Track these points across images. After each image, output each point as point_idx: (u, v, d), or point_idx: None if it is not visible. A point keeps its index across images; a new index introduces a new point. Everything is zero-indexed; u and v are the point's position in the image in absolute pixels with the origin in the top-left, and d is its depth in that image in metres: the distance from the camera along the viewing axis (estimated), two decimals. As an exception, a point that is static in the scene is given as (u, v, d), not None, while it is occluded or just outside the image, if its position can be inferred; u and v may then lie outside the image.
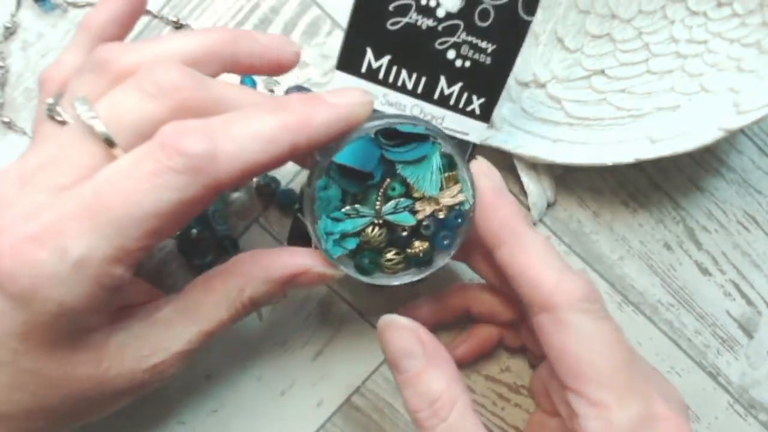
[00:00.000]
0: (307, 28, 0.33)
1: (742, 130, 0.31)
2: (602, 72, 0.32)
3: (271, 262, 0.24)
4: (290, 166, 0.32)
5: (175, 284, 0.25)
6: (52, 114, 0.21)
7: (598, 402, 0.21)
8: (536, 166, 0.33)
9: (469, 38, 0.25)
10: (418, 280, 0.25)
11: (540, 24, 0.31)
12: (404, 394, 0.23)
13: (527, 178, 0.32)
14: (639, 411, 0.22)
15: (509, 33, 0.25)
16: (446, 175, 0.24)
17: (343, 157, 0.23)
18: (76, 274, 0.19)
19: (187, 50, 0.22)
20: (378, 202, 0.24)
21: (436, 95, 0.25)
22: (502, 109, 0.32)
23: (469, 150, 0.26)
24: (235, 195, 0.32)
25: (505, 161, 0.32)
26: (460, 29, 0.24)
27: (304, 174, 0.32)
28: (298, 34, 0.33)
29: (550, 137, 0.32)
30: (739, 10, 0.30)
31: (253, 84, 0.32)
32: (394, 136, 0.23)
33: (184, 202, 0.19)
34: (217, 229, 0.31)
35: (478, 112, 0.26)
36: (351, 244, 0.24)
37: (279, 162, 0.21)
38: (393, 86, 0.25)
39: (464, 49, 0.25)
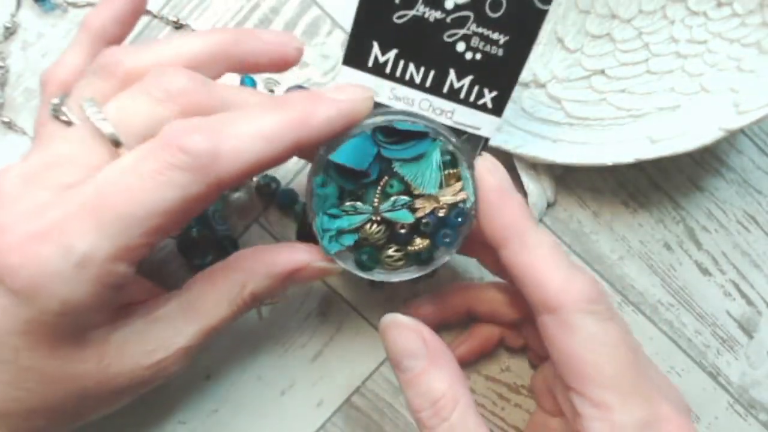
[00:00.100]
0: (307, 28, 0.33)
1: (742, 130, 0.31)
2: (602, 72, 0.32)
3: (272, 257, 0.24)
4: (290, 166, 0.32)
5: (175, 284, 0.25)
6: (57, 114, 0.21)
7: (602, 403, 0.21)
8: (536, 166, 0.33)
9: (480, 30, 0.24)
10: (419, 278, 0.25)
11: (540, 24, 0.31)
12: (406, 393, 0.23)
13: (527, 178, 0.32)
14: (642, 412, 0.21)
15: (523, 23, 0.24)
16: (447, 172, 0.24)
17: (339, 155, 0.23)
18: (80, 272, 0.19)
19: (192, 52, 0.22)
20: (376, 200, 0.24)
21: (446, 89, 0.25)
22: (502, 109, 0.32)
23: (481, 145, 0.26)
24: (235, 195, 0.32)
25: (505, 161, 0.32)
26: (470, 21, 0.24)
27: (305, 174, 0.32)
28: (298, 34, 0.33)
29: (550, 137, 0.32)
30: (739, 10, 0.30)
31: (253, 84, 0.32)
32: (392, 133, 0.23)
33: (187, 199, 0.20)
34: (217, 229, 0.31)
35: (490, 105, 0.25)
36: (348, 240, 0.24)
37: (281, 159, 0.21)
38: (400, 80, 0.24)
39: (474, 41, 0.24)
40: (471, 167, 0.24)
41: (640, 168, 0.34)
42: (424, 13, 0.23)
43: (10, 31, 0.31)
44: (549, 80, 0.32)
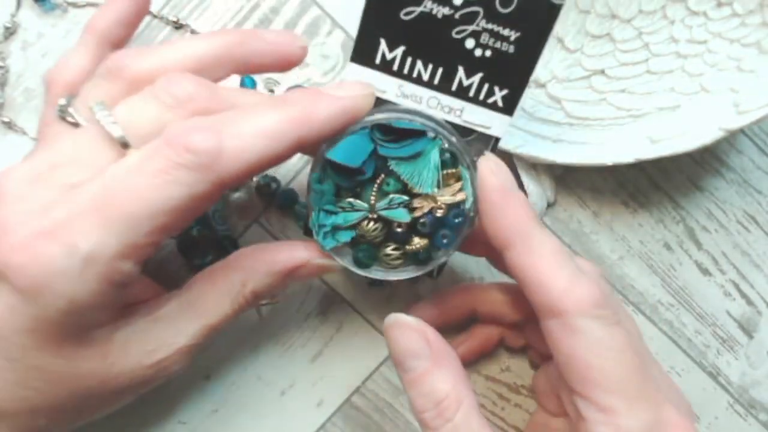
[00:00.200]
0: (307, 28, 0.33)
1: (742, 130, 0.31)
2: (602, 72, 0.32)
3: (272, 255, 0.24)
4: (290, 166, 0.32)
5: (175, 284, 0.25)
6: (63, 115, 0.22)
7: (607, 408, 0.21)
8: (536, 166, 0.33)
9: (490, 26, 0.23)
10: (418, 277, 0.25)
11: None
12: (409, 393, 0.23)
13: (527, 178, 0.32)
14: (648, 417, 0.21)
15: (536, 19, 0.23)
16: (446, 172, 0.24)
17: (335, 152, 0.23)
18: (86, 270, 0.19)
19: (197, 55, 0.22)
20: (373, 197, 0.24)
21: (454, 86, 0.24)
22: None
23: (491, 144, 0.25)
24: (235, 195, 0.32)
25: (505, 161, 0.32)
26: (479, 17, 0.23)
27: (305, 174, 0.32)
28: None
29: (550, 137, 0.32)
30: (739, 10, 0.30)
31: (254, 84, 0.32)
32: (390, 131, 0.23)
33: (192, 197, 0.20)
34: (217, 229, 0.31)
35: (500, 104, 0.24)
36: (344, 236, 0.24)
37: (284, 156, 0.21)
38: (408, 78, 0.24)
39: (484, 38, 0.23)
40: (472, 167, 0.24)
41: (640, 168, 0.34)
42: (432, 9, 0.23)
43: (10, 31, 0.31)
44: (549, 80, 0.32)
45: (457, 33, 0.23)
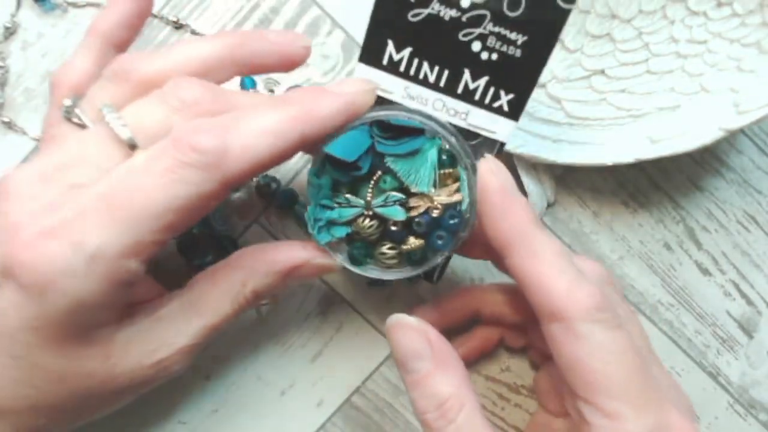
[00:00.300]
0: (307, 28, 0.33)
1: (742, 130, 0.31)
2: (602, 72, 0.32)
3: (272, 255, 0.24)
4: (290, 166, 0.32)
5: (175, 284, 0.25)
6: (69, 116, 0.22)
7: (612, 413, 0.21)
8: (536, 166, 0.33)
9: (497, 29, 0.23)
10: (415, 278, 0.25)
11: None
12: (412, 395, 0.23)
13: (527, 178, 0.32)
14: (653, 421, 0.21)
15: (544, 23, 0.23)
16: (444, 172, 0.24)
17: (332, 147, 0.23)
18: (91, 268, 0.19)
19: (202, 57, 0.23)
20: (369, 194, 0.24)
21: (460, 89, 0.24)
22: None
23: (496, 149, 0.25)
24: (236, 195, 0.32)
25: (505, 161, 0.32)
26: (487, 20, 0.23)
27: (305, 174, 0.32)
28: (298, 34, 0.33)
29: (550, 137, 0.32)
30: (739, 10, 0.30)
31: (254, 84, 0.32)
32: (389, 128, 0.23)
33: (198, 196, 0.20)
34: (217, 229, 0.31)
35: (506, 108, 0.24)
36: (339, 232, 0.24)
37: (288, 153, 0.22)
38: (414, 79, 0.24)
39: (491, 41, 0.23)
40: (472, 169, 0.24)
41: (640, 168, 0.34)
42: (440, 11, 0.23)
43: (10, 31, 0.31)
44: (549, 80, 0.32)
45: (464, 36, 0.23)
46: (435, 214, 0.24)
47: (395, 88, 0.24)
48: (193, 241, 0.30)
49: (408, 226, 0.24)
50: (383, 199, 0.24)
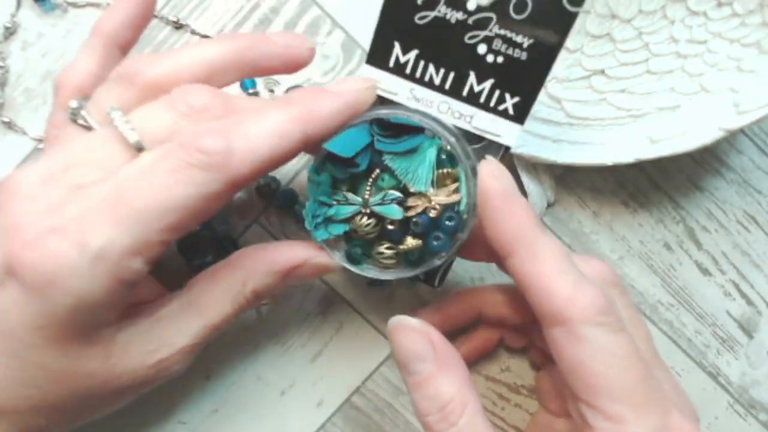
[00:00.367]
0: (307, 28, 0.33)
1: (742, 130, 0.31)
2: (602, 72, 0.32)
3: (272, 255, 0.24)
4: (290, 166, 0.32)
5: (175, 284, 0.25)
6: (75, 118, 0.22)
7: (614, 416, 0.21)
8: (536, 166, 0.33)
9: (502, 32, 0.23)
10: (413, 279, 0.25)
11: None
12: (414, 396, 0.23)
13: (527, 178, 0.32)
14: (656, 424, 0.21)
15: (550, 26, 0.23)
16: (444, 171, 0.24)
17: (332, 143, 0.23)
18: (95, 267, 0.19)
19: (207, 60, 0.23)
20: (367, 192, 0.24)
21: (465, 92, 0.24)
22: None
23: (500, 153, 0.25)
24: (236, 195, 0.32)
25: (505, 161, 0.32)
26: (493, 22, 0.23)
27: (305, 174, 0.32)
28: (298, 34, 0.33)
29: (550, 137, 0.32)
30: (739, 10, 0.30)
31: (253, 84, 0.32)
32: (389, 126, 0.23)
33: (204, 196, 0.20)
34: (217, 229, 0.31)
35: (511, 111, 0.24)
36: (337, 229, 0.24)
37: (292, 153, 0.22)
38: (420, 81, 0.24)
39: (496, 44, 0.23)
40: (472, 171, 0.24)
41: (640, 168, 0.34)
42: (446, 14, 0.23)
43: (10, 31, 0.31)
44: (549, 80, 0.32)
45: (470, 38, 0.23)
46: (432, 214, 0.24)
47: (401, 90, 0.24)
48: (193, 241, 0.30)
49: (406, 226, 0.24)
50: (381, 197, 0.24)
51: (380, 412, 0.32)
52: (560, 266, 0.22)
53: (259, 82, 0.32)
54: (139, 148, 0.21)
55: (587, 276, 0.22)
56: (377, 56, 0.24)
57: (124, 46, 0.25)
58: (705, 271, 0.34)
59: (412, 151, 0.24)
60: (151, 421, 0.31)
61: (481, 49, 0.24)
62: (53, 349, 0.21)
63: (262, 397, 0.32)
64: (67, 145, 0.22)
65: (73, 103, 0.22)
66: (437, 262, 0.24)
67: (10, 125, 0.31)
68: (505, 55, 0.23)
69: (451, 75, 0.24)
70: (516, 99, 0.24)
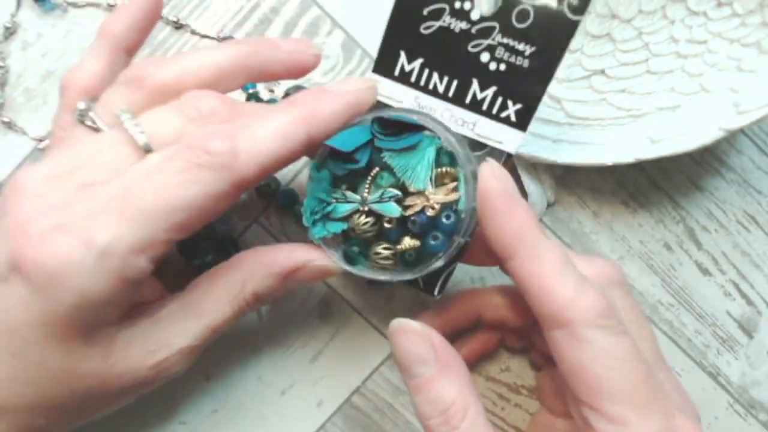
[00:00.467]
0: (307, 28, 0.33)
1: (742, 130, 0.31)
2: (602, 72, 0.32)
3: (272, 257, 0.24)
4: (290, 166, 0.32)
5: (175, 284, 0.25)
6: (83, 119, 0.23)
7: (617, 418, 0.21)
8: (536, 166, 0.33)
9: (505, 40, 0.24)
10: (412, 282, 0.25)
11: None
12: (415, 399, 0.23)
13: (527, 178, 0.32)
14: (658, 426, 0.21)
15: (552, 34, 0.23)
16: (443, 170, 0.24)
17: (333, 140, 0.23)
18: (100, 264, 0.20)
19: (214, 64, 0.23)
20: (366, 190, 0.24)
21: (468, 99, 0.24)
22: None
23: (502, 160, 0.25)
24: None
25: (506, 167, 0.32)
26: (495, 31, 0.24)
27: (305, 174, 0.32)
28: (298, 34, 0.33)
29: (550, 137, 0.32)
30: (739, 10, 0.30)
31: (253, 84, 0.32)
32: (390, 125, 0.24)
33: (209, 196, 0.21)
34: (217, 229, 0.31)
35: (513, 119, 0.24)
36: (335, 227, 0.24)
37: (296, 154, 0.22)
38: (424, 89, 0.25)
39: (499, 52, 0.24)
40: (473, 176, 0.24)
41: (640, 168, 0.34)
42: (450, 23, 0.24)
43: (10, 31, 0.31)
44: (549, 80, 0.32)
45: (474, 47, 0.24)
46: (430, 213, 0.24)
47: (406, 98, 0.25)
48: (193, 241, 0.30)
49: (404, 226, 0.24)
50: (379, 194, 0.24)
51: (380, 412, 0.32)
52: (561, 268, 0.22)
53: (259, 82, 0.32)
54: (147, 150, 0.21)
55: (589, 277, 0.22)
56: (383, 65, 0.25)
57: (131, 48, 0.25)
58: (705, 271, 0.34)
59: (411, 149, 0.24)
60: (151, 421, 0.31)
61: (485, 57, 0.24)
62: (55, 347, 0.21)
63: (262, 397, 0.32)
64: (75, 145, 0.22)
65: (81, 105, 0.23)
66: (435, 263, 0.24)
67: (10, 125, 0.31)
68: (508, 63, 0.24)
69: (455, 83, 0.24)
70: (518, 106, 0.24)
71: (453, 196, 0.24)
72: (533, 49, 0.23)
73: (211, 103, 0.22)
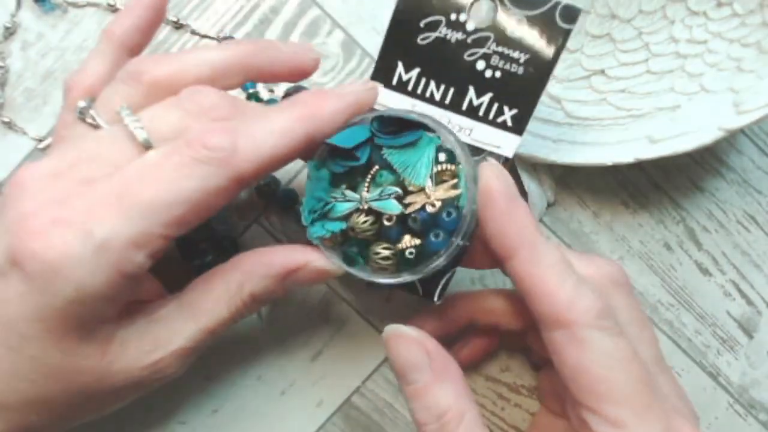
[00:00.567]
0: (307, 28, 0.33)
1: (742, 130, 0.31)
2: (602, 72, 0.32)
3: (270, 258, 0.24)
4: (290, 166, 0.32)
5: (175, 284, 0.25)
6: (83, 117, 0.23)
7: (617, 421, 0.21)
8: (536, 166, 0.33)
9: (500, 49, 0.24)
10: (410, 285, 0.25)
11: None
12: (411, 405, 0.23)
13: (527, 178, 0.32)
14: (657, 429, 0.21)
15: (545, 42, 0.24)
16: (443, 167, 0.24)
17: (333, 139, 0.23)
18: (99, 258, 0.20)
19: (213, 62, 0.23)
20: (365, 188, 0.24)
21: (464, 106, 0.25)
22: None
23: (500, 163, 0.25)
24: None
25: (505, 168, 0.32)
26: (491, 40, 0.24)
27: (305, 174, 0.32)
28: (298, 34, 0.33)
29: (550, 137, 0.32)
30: (739, 10, 0.30)
31: (253, 84, 0.32)
32: (389, 124, 0.24)
33: (207, 191, 0.21)
34: (217, 229, 0.31)
35: (509, 123, 0.25)
36: (334, 227, 0.24)
37: (295, 152, 0.22)
38: (421, 97, 0.25)
39: (494, 60, 0.25)
40: (473, 179, 0.24)
41: (640, 168, 0.34)
42: (447, 34, 0.25)
43: (10, 31, 0.31)
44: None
45: (469, 56, 0.25)
46: (431, 210, 0.23)
47: (403, 106, 0.26)
48: (193, 241, 0.30)
49: (403, 223, 0.24)
50: (379, 192, 0.24)
51: (380, 412, 0.32)
52: (561, 269, 0.22)
53: (259, 82, 0.32)
54: (147, 146, 0.21)
55: (590, 277, 0.23)
56: (381, 75, 0.26)
57: (134, 50, 0.26)
58: (705, 271, 0.34)
59: (411, 145, 0.24)
60: (151, 421, 0.31)
61: (480, 65, 0.25)
62: (50, 343, 0.21)
63: (262, 397, 0.32)
64: (76, 142, 0.22)
65: (81, 103, 0.23)
66: (435, 261, 0.24)
67: (10, 125, 0.31)
68: (503, 70, 0.25)
69: (451, 90, 0.25)
70: (514, 111, 0.25)
71: (453, 193, 0.24)
72: (527, 56, 0.24)
73: (211, 99, 0.22)
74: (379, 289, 0.32)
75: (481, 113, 0.25)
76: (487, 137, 0.25)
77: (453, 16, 0.24)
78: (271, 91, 0.32)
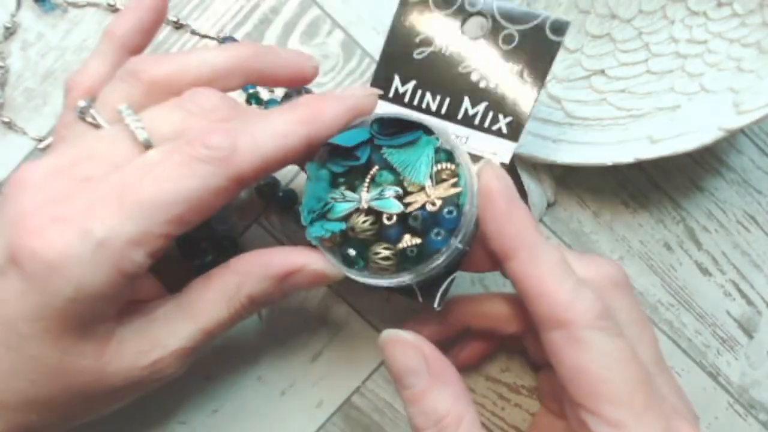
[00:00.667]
0: (307, 28, 0.33)
1: (742, 130, 0.31)
2: (602, 72, 0.32)
3: (268, 259, 0.24)
4: (290, 166, 0.32)
5: (174, 284, 0.25)
6: (83, 116, 0.23)
7: (616, 422, 0.21)
8: (536, 166, 0.33)
9: (493, 61, 0.25)
10: (409, 288, 0.25)
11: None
12: (409, 410, 0.23)
13: (527, 178, 0.32)
14: (658, 429, 0.21)
15: (536, 54, 0.25)
16: (442, 166, 0.24)
17: (333, 139, 0.24)
18: (98, 256, 0.20)
19: (212, 63, 0.24)
20: (365, 188, 0.24)
21: (460, 115, 0.26)
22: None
23: None
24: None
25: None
26: (484, 54, 0.25)
27: (304, 174, 0.32)
28: (298, 34, 0.33)
29: (550, 137, 0.32)
30: (739, 10, 0.30)
31: (254, 86, 0.32)
32: (389, 126, 0.24)
33: (207, 190, 0.21)
34: (217, 229, 0.31)
35: (505, 131, 0.26)
36: (333, 227, 0.24)
37: (295, 154, 0.23)
38: (418, 108, 0.26)
39: (488, 71, 0.25)
40: (470, 166, 0.24)
41: (640, 168, 0.34)
42: (442, 48, 0.26)
43: (10, 31, 0.31)
44: (549, 80, 0.32)
45: (464, 68, 0.26)
46: (431, 208, 0.23)
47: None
48: (193, 241, 0.30)
49: (404, 223, 0.24)
50: (379, 191, 0.24)
51: (380, 412, 0.32)
52: (560, 270, 0.22)
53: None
54: (147, 146, 0.21)
55: (590, 277, 0.23)
56: (378, 88, 0.26)
57: (135, 50, 0.26)
58: (705, 271, 0.34)
59: (410, 144, 0.24)
60: (151, 421, 0.31)
61: (474, 76, 0.26)
62: (49, 342, 0.21)
63: (262, 397, 0.32)
64: (76, 141, 0.22)
65: (82, 102, 0.23)
66: (435, 261, 0.24)
67: (10, 125, 0.31)
68: (497, 81, 0.26)
69: (447, 101, 0.26)
70: (509, 119, 0.26)
71: (453, 191, 0.24)
72: (520, 67, 0.25)
73: (213, 100, 0.23)
74: (378, 288, 0.32)
75: (476, 122, 0.26)
76: (483, 145, 0.26)
77: (444, 39, 0.26)
78: (272, 91, 0.32)
